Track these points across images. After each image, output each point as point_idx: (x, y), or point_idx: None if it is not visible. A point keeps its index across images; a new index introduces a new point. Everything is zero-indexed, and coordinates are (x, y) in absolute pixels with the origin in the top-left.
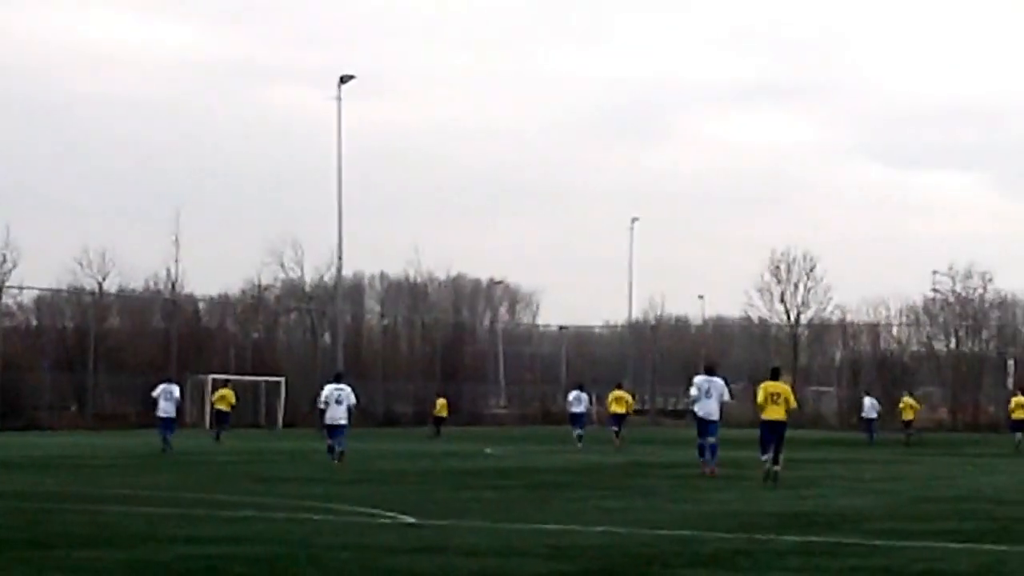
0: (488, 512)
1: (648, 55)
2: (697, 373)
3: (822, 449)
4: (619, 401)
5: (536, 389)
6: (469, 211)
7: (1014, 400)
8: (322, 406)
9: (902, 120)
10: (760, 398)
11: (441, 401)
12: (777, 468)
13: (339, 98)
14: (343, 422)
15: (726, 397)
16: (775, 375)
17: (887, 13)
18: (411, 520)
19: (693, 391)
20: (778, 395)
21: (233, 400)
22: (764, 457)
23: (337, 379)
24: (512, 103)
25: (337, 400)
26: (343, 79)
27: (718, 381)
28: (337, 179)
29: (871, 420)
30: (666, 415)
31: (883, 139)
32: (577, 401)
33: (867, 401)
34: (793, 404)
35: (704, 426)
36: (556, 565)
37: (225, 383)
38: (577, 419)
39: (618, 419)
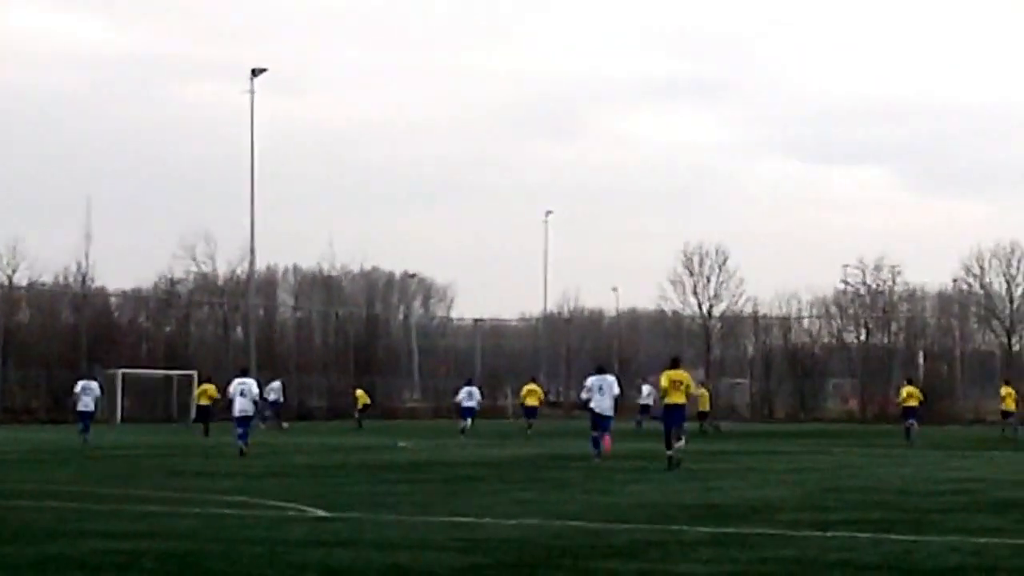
0: (401, 505)
1: (564, 51)
2: (603, 367)
3: (734, 441)
4: (532, 394)
5: (450, 382)
6: (383, 204)
7: (904, 390)
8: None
9: (813, 116)
10: (664, 384)
11: (359, 392)
12: (681, 443)
13: (252, 92)
14: (249, 414)
15: (615, 391)
16: (675, 364)
17: (798, 12)
18: (323, 514)
19: (584, 393)
20: (679, 382)
21: (215, 394)
22: (669, 452)
23: (243, 373)
24: (427, 97)
25: (241, 393)
26: (255, 72)
27: (609, 378)
28: (250, 172)
29: (647, 406)
30: (581, 408)
31: (794, 135)
32: (468, 396)
33: (644, 388)
34: (692, 390)
35: (599, 421)
36: (469, 558)
37: (208, 379)
38: (467, 412)
39: (531, 411)
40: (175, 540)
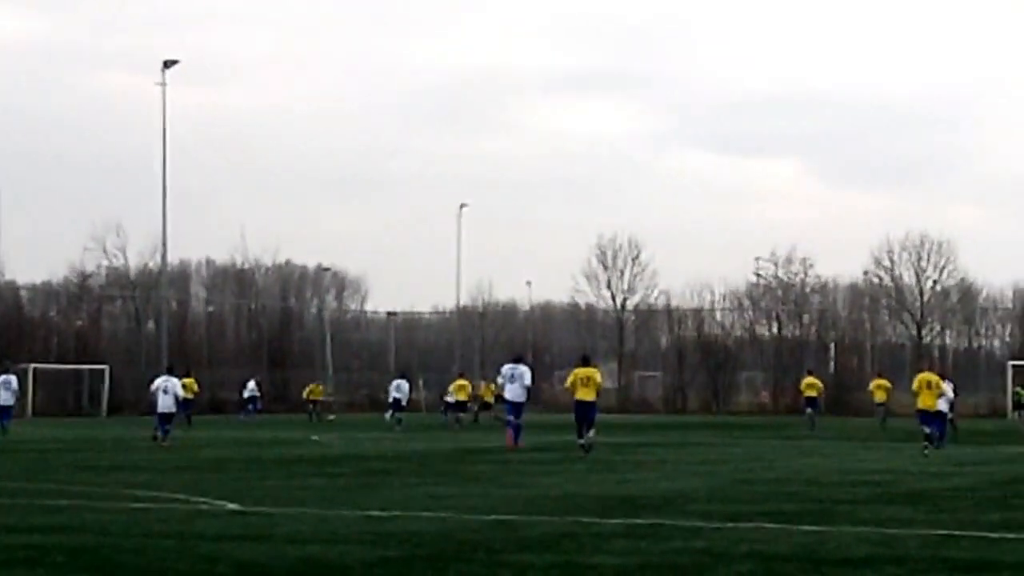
0: (314, 499)
1: (476, 43)
2: (520, 357)
3: (647, 433)
4: (462, 389)
5: (364, 376)
6: (297, 197)
7: (805, 381)
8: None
9: (726, 108)
10: (569, 382)
11: (313, 387)
12: (591, 434)
13: (164, 83)
14: (172, 411)
15: (527, 382)
16: (585, 362)
17: (711, 3)
18: (235, 508)
19: (500, 379)
20: (588, 379)
21: (196, 388)
22: (580, 441)
23: (169, 371)
24: (341, 88)
25: (164, 390)
26: (167, 64)
27: (522, 368)
28: (162, 164)
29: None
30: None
31: (708, 127)
32: (397, 389)
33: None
34: (600, 384)
35: (512, 408)
36: (381, 552)
37: (187, 373)
38: (396, 404)
39: (460, 406)
40: (86, 535)
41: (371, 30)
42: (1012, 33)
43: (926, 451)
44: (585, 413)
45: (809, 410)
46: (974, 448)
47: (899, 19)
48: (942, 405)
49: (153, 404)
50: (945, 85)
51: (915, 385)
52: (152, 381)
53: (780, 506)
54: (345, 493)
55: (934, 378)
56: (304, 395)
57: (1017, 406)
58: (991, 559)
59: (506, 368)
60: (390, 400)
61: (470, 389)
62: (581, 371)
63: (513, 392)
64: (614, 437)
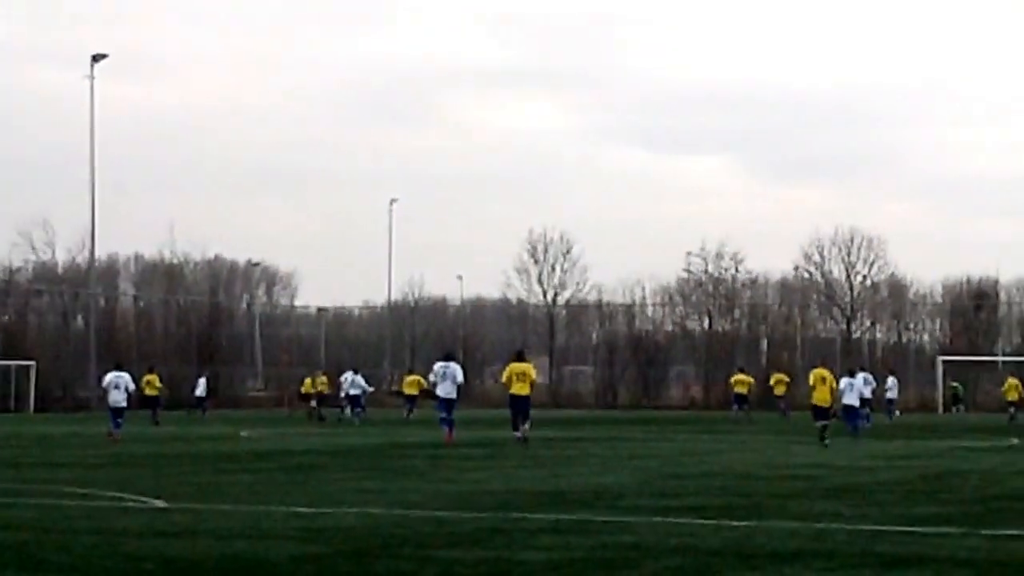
0: (242, 495)
1: (410, 37)
2: (451, 354)
3: (577, 428)
4: (413, 384)
5: (294, 371)
6: (227, 192)
7: (734, 377)
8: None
9: (657, 105)
10: (505, 377)
11: (321, 378)
12: (526, 427)
13: (92, 77)
14: (123, 405)
15: (459, 379)
16: (520, 357)
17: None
18: (162, 504)
19: (432, 377)
20: (523, 374)
21: (159, 384)
22: (516, 434)
23: (118, 367)
24: (271, 83)
25: (115, 386)
26: (95, 58)
27: (453, 366)
28: (90, 159)
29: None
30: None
31: (639, 123)
32: (352, 384)
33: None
34: (534, 379)
35: (444, 405)
36: (309, 547)
37: (150, 369)
38: (355, 401)
39: (413, 400)
40: (11, 531)
41: (302, 25)
42: (944, 31)
43: (826, 443)
44: (520, 407)
45: (736, 406)
46: (903, 442)
47: (830, 16)
48: (852, 399)
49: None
50: (875, 82)
51: (811, 380)
52: (102, 378)
53: (710, 501)
54: (273, 489)
55: (828, 374)
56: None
57: (954, 401)
58: (920, 553)
59: (438, 366)
60: (344, 396)
61: (423, 382)
62: (516, 366)
63: (445, 389)
64: (545, 432)
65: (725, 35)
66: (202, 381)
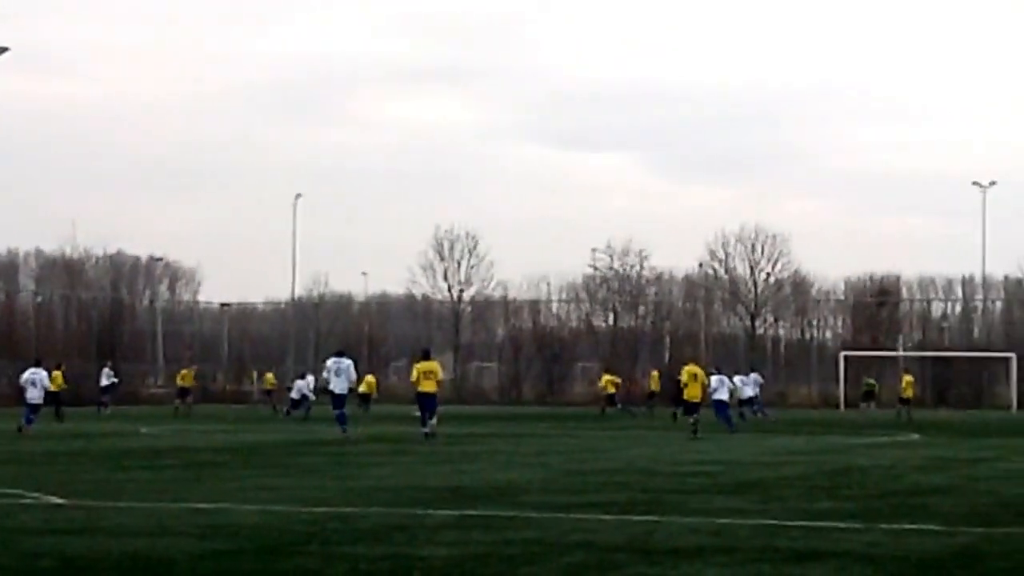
0: (141, 492)
1: (315, 34)
2: (343, 351)
3: (482, 424)
4: (366, 383)
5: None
6: (129, 188)
7: (604, 378)
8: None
9: (563, 102)
10: (413, 376)
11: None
12: (433, 422)
13: None
14: (39, 402)
15: (352, 375)
16: (426, 356)
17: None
18: (60, 501)
19: (325, 373)
20: (430, 372)
21: (61, 381)
22: (424, 429)
23: (37, 364)
24: (175, 78)
25: (32, 383)
26: None
27: (346, 362)
28: None
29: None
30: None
31: (545, 121)
32: (299, 389)
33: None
34: (440, 377)
35: (336, 400)
36: (209, 544)
37: (57, 366)
38: (303, 403)
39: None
40: None
41: (206, 21)
42: (843, 32)
43: (698, 436)
44: (427, 404)
45: (619, 406)
46: (805, 438)
47: (734, 15)
48: (723, 394)
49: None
50: (780, 81)
51: (684, 378)
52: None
53: (612, 497)
54: (173, 486)
55: (699, 371)
56: (265, 386)
57: (867, 397)
58: (819, 548)
59: (330, 362)
60: (295, 397)
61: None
62: (423, 365)
63: (339, 386)
64: (449, 428)
65: (630, 33)
66: (106, 371)
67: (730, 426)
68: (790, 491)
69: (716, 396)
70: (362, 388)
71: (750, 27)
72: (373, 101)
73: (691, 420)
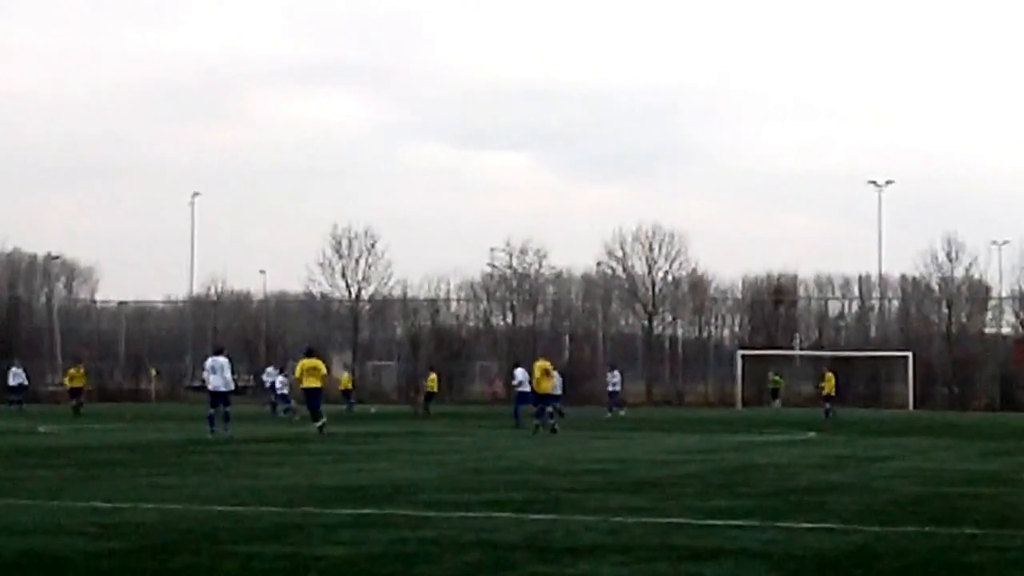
0: (37, 491)
1: (214, 32)
2: (220, 348)
3: (381, 423)
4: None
5: (94, 365)
6: (24, 184)
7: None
8: None
9: (460, 101)
10: (297, 373)
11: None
12: (323, 419)
13: None
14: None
15: (227, 374)
16: (309, 353)
17: None
18: None
19: (204, 372)
20: (313, 368)
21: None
22: (317, 424)
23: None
24: (70, 75)
25: None
26: None
27: (222, 360)
28: None
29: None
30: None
31: (443, 119)
32: (280, 385)
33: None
34: (324, 373)
35: (215, 398)
36: (105, 543)
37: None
38: (285, 397)
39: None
40: None
41: (100, 18)
42: (742, 30)
43: (556, 427)
44: (314, 400)
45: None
46: (702, 436)
47: (632, 14)
48: (526, 388)
49: None
50: (676, 81)
51: (537, 373)
52: None
53: (509, 495)
54: (70, 484)
55: (550, 366)
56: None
57: (774, 395)
58: (716, 546)
59: (209, 361)
60: (278, 394)
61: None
62: (306, 362)
63: (214, 383)
64: (346, 427)
65: (528, 32)
66: (18, 370)
67: (516, 418)
68: (687, 489)
69: (520, 390)
70: (343, 385)
71: (648, 26)
72: (270, 99)
73: (551, 410)
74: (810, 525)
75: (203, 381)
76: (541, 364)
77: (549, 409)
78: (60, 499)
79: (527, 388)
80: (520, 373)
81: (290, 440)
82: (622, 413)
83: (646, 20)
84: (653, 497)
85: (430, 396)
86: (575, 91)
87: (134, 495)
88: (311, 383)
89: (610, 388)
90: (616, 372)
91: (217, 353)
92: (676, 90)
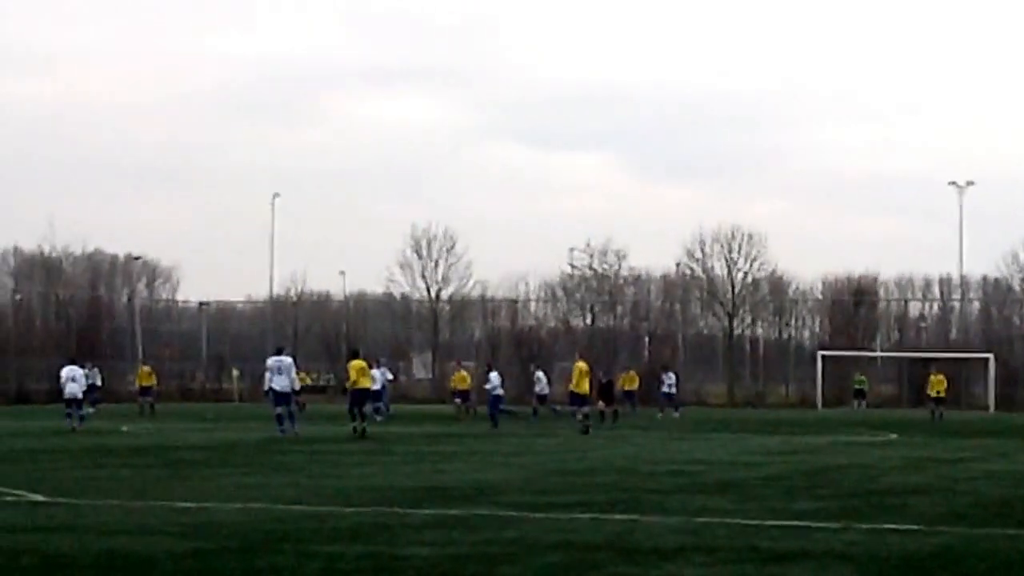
0: (121, 490)
1: (291, 36)
2: (282, 349)
3: (459, 423)
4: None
5: (175, 366)
6: (107, 185)
7: (624, 375)
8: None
9: (540, 102)
10: (354, 375)
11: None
12: (364, 425)
13: None
14: (78, 395)
15: (293, 373)
16: (356, 355)
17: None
18: (41, 499)
19: (268, 373)
20: (364, 369)
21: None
22: (353, 424)
23: (71, 361)
24: (154, 78)
25: (73, 379)
26: None
27: (287, 360)
28: None
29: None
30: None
31: (522, 120)
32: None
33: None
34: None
35: (281, 398)
36: (190, 543)
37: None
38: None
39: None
40: None
41: (187, 21)
42: (815, 33)
43: (588, 428)
44: (364, 399)
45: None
46: (783, 438)
47: (709, 17)
48: (500, 391)
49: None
50: (752, 81)
51: (576, 374)
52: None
53: (591, 496)
54: (153, 484)
55: (587, 367)
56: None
57: (858, 395)
58: (799, 548)
59: (271, 360)
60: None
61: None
62: (357, 363)
63: (280, 383)
64: (426, 427)
65: (604, 34)
66: (92, 371)
67: (494, 422)
68: (769, 491)
69: (493, 392)
70: (463, 385)
71: (726, 30)
72: (348, 102)
73: (587, 411)
74: (893, 526)
75: (269, 383)
76: (581, 365)
77: (586, 410)
78: (144, 498)
79: (501, 391)
80: (494, 377)
81: (373, 440)
82: (676, 415)
83: (722, 23)
84: (735, 498)
85: (466, 395)
86: (654, 93)
87: (218, 495)
88: (365, 384)
89: (665, 389)
90: (671, 374)
91: (278, 353)
92: (753, 90)
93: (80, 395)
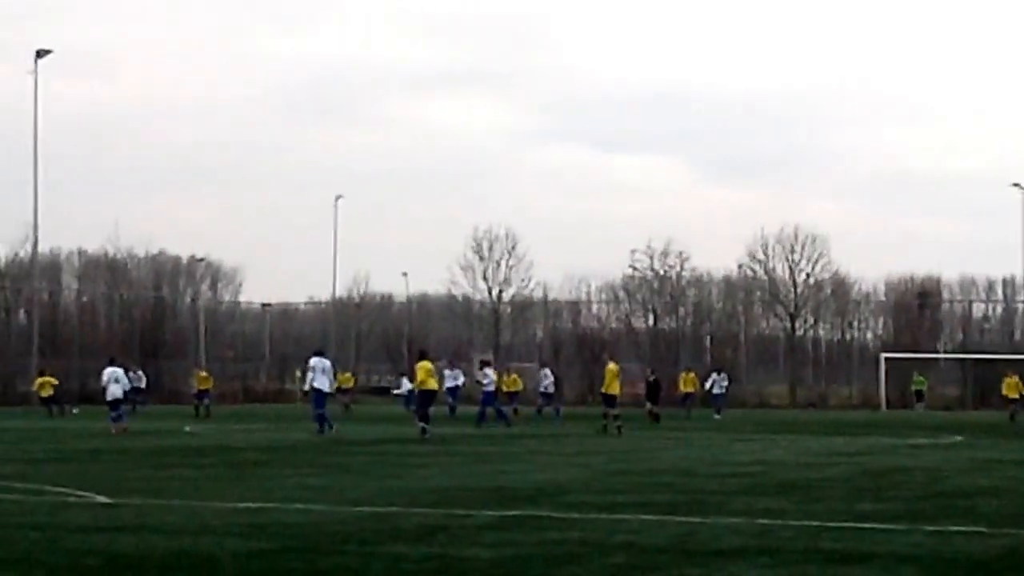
0: (185, 491)
1: (355, 37)
2: (322, 350)
3: (521, 424)
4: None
5: (238, 367)
6: (170, 187)
7: (684, 376)
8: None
9: (602, 104)
10: (423, 375)
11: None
12: (426, 425)
13: (35, 73)
14: (120, 396)
15: (332, 374)
16: (424, 356)
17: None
18: (105, 499)
19: (310, 374)
20: (431, 371)
21: (55, 382)
22: (422, 425)
23: (111, 362)
24: (216, 80)
25: (116, 380)
26: (40, 53)
27: (327, 362)
28: (33, 154)
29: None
30: (370, 392)
31: (583, 122)
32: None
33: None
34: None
35: (324, 397)
36: (253, 543)
37: (42, 372)
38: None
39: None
40: None
41: (246, 23)
42: (879, 33)
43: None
44: (431, 400)
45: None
46: (846, 439)
47: (771, 18)
48: (491, 387)
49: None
50: (813, 83)
51: (609, 376)
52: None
53: (654, 497)
54: (216, 484)
55: (617, 369)
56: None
57: (918, 397)
58: (864, 550)
59: (315, 360)
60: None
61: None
62: (426, 364)
63: (322, 383)
64: (487, 428)
65: (667, 36)
66: (138, 373)
67: (482, 419)
68: (832, 492)
69: (487, 389)
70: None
71: (788, 31)
72: (410, 104)
73: (612, 413)
74: (959, 528)
75: (312, 383)
76: (612, 367)
77: (616, 411)
78: (207, 499)
79: (492, 388)
80: (489, 372)
81: (433, 441)
82: (717, 416)
83: (784, 24)
84: (799, 500)
85: (514, 396)
86: (715, 95)
87: (281, 495)
88: (432, 385)
89: (716, 391)
90: (724, 375)
91: (319, 354)
92: (814, 92)
93: (121, 396)
